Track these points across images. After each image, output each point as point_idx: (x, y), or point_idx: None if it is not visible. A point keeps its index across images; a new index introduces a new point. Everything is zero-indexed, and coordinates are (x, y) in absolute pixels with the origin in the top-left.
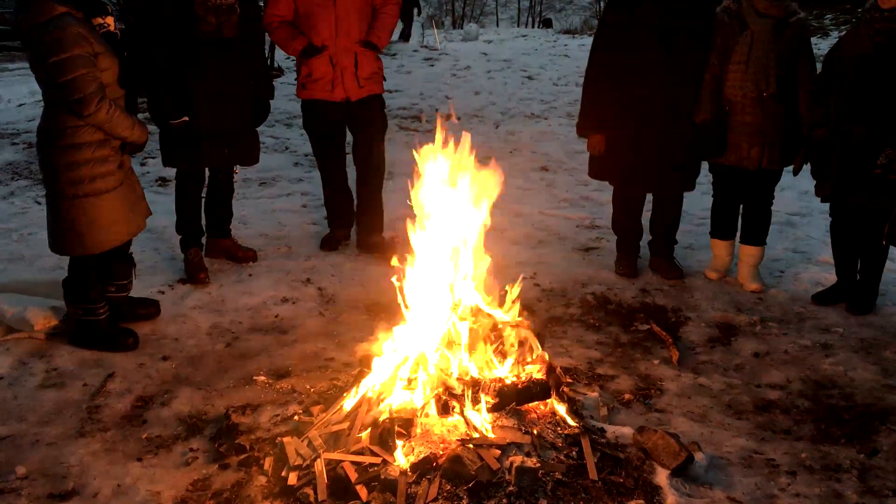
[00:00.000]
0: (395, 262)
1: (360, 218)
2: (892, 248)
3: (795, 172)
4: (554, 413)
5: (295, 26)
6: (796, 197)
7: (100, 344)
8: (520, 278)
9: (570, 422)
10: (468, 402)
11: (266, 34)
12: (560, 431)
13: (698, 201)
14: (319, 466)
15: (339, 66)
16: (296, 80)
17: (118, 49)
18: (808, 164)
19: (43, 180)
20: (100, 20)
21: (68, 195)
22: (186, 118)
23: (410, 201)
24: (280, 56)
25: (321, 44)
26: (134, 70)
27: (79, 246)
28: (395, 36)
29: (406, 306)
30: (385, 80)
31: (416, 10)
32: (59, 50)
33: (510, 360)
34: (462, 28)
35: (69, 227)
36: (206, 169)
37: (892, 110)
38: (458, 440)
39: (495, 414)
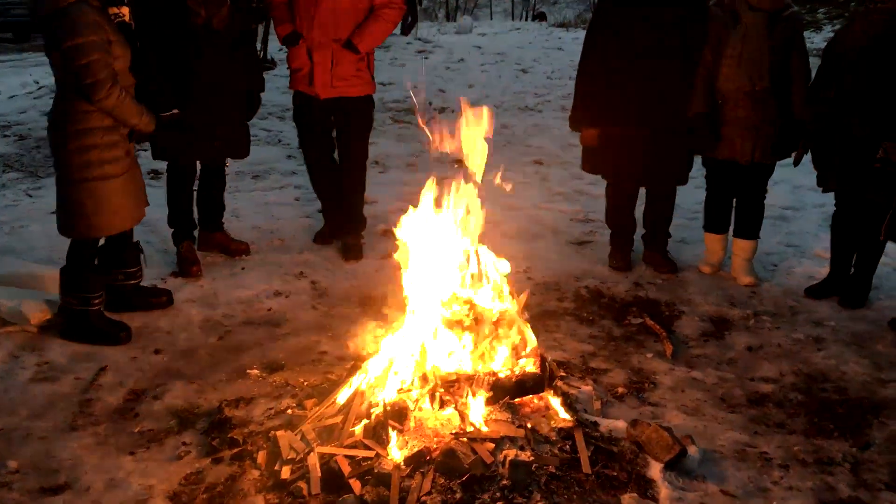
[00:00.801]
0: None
1: (338, 219)
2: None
3: (796, 163)
4: (548, 407)
5: (291, 11)
6: (789, 191)
7: (91, 337)
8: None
9: (564, 415)
10: (462, 396)
11: (257, 26)
12: (554, 425)
13: (691, 195)
14: (313, 460)
15: (314, 61)
16: (287, 69)
17: (131, 39)
18: (808, 154)
19: (53, 164)
20: (115, 10)
21: (76, 179)
22: (177, 111)
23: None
24: (273, 49)
25: (301, 33)
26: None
27: (85, 228)
28: (396, 30)
29: (402, 299)
30: (374, 81)
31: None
32: (76, 35)
33: (504, 353)
34: (456, 21)
35: (76, 210)
36: (197, 162)
37: (889, 103)
38: (451, 434)
39: (489, 408)
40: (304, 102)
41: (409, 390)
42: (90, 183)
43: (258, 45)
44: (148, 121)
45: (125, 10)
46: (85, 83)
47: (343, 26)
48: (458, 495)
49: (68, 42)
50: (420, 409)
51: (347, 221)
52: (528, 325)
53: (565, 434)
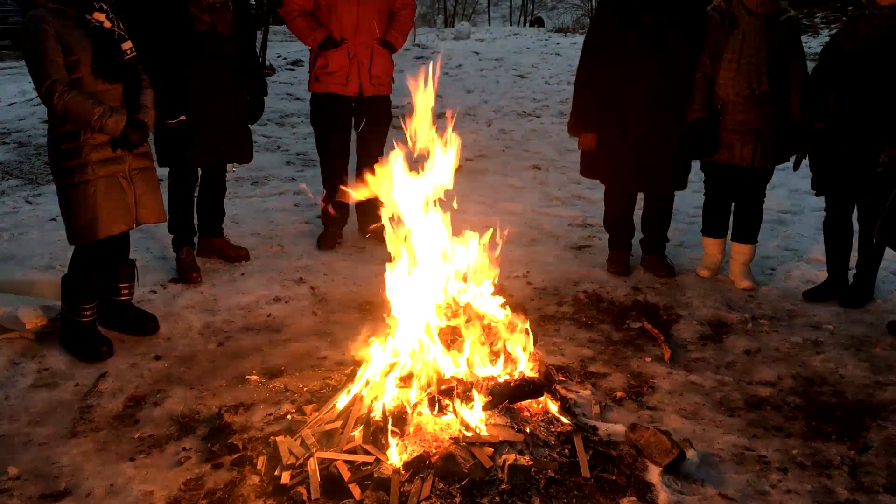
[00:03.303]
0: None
1: (361, 206)
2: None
3: (796, 167)
4: (546, 411)
5: (314, 17)
6: (787, 195)
7: (74, 348)
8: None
9: (563, 420)
10: (460, 401)
11: (256, 31)
12: (553, 429)
13: (690, 199)
14: (312, 465)
15: (355, 61)
16: (308, 71)
17: (110, 44)
18: (806, 158)
19: None
20: (87, 17)
21: (56, 183)
22: (184, 117)
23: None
24: (271, 55)
25: (341, 37)
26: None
27: (70, 235)
28: None
29: (396, 305)
30: (394, 82)
31: None
32: (25, 40)
33: (502, 358)
34: (454, 26)
35: (63, 215)
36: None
37: (890, 107)
38: (450, 438)
39: (488, 412)
40: (333, 103)
41: (408, 395)
42: (63, 187)
43: (257, 52)
44: (110, 122)
45: (101, 16)
46: (35, 85)
47: (378, 28)
48: (457, 500)
49: (23, 47)
50: (419, 414)
51: (372, 209)
52: (528, 331)
53: (564, 438)
